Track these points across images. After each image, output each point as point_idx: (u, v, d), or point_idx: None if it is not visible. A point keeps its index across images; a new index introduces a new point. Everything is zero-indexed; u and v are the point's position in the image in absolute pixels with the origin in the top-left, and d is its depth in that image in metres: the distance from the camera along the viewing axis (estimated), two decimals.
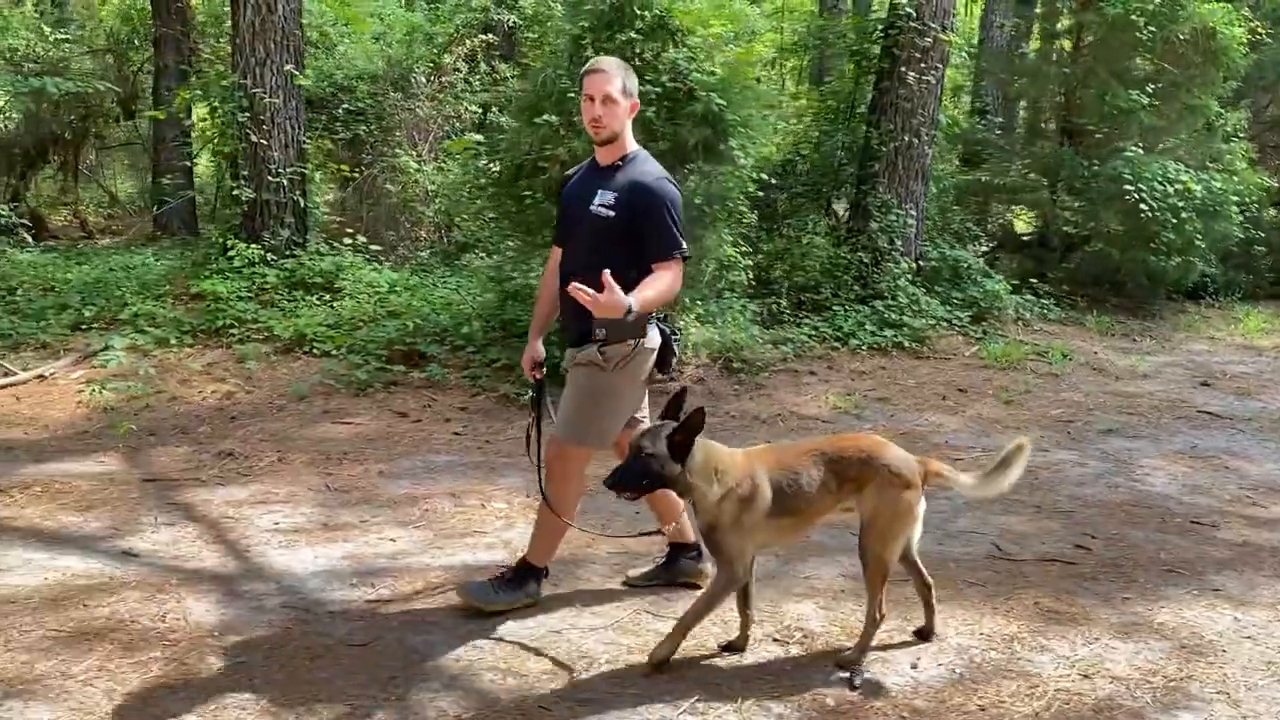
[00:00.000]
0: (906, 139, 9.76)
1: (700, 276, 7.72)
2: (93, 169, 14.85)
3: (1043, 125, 12.50)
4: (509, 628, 3.92)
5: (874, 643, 3.70)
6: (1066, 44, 12.34)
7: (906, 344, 8.95)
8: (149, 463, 5.92)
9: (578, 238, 3.87)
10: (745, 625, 3.77)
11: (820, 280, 9.43)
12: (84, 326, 8.20)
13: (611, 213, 3.71)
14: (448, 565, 4.57)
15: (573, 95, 7.34)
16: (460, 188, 9.03)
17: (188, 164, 13.03)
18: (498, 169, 7.88)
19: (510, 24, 13.26)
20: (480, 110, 12.43)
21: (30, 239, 10.75)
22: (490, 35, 12.89)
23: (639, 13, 7.39)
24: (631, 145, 3.84)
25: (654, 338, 3.84)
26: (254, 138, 8.80)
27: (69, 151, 13.98)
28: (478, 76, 12.50)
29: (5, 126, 12.84)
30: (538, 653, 3.74)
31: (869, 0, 17.15)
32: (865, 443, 3.73)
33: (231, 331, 8.01)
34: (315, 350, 7.82)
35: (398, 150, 11.28)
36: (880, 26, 9.87)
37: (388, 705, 3.35)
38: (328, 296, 8.78)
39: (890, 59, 9.74)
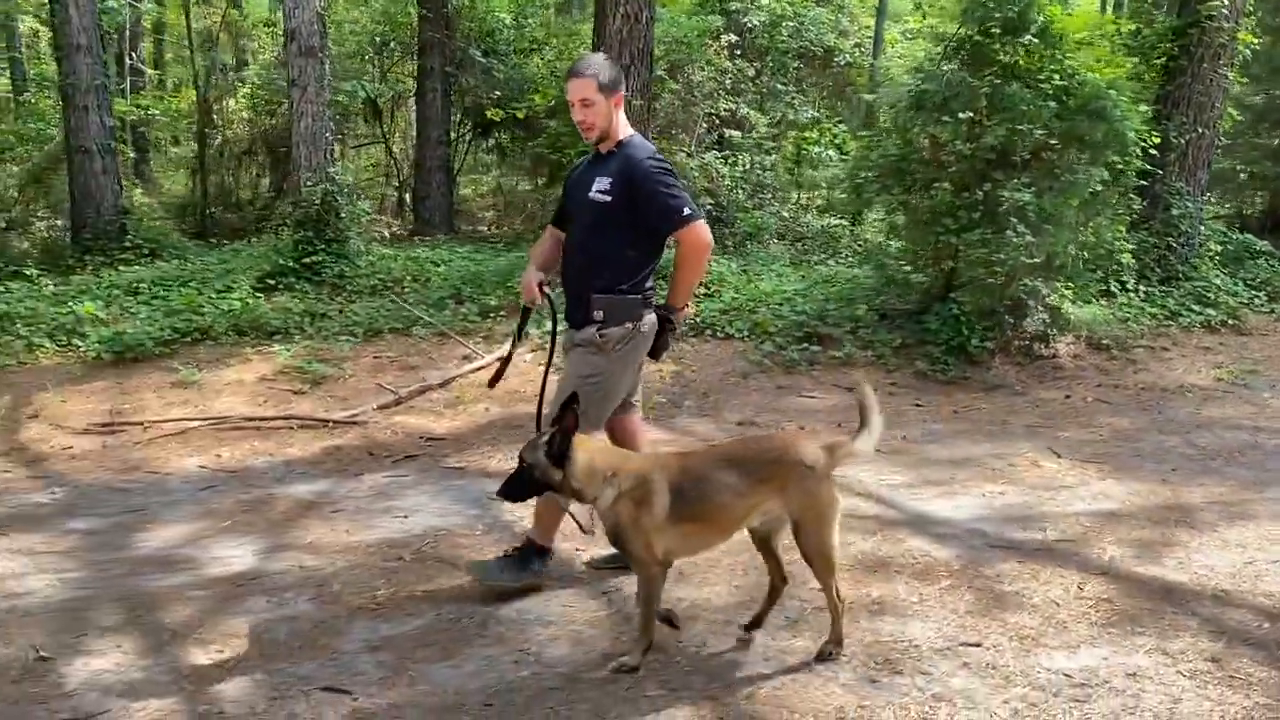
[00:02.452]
0: (1199, 131, 10.39)
1: (1076, 258, 8.37)
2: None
3: None
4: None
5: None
6: None
7: (1228, 321, 9.59)
8: (687, 430, 6.63)
9: (580, 223, 4.01)
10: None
11: (1127, 264, 10.05)
12: (490, 314, 8.91)
13: (608, 197, 3.83)
14: (1081, 512, 5.25)
15: (984, 92, 8.02)
16: (846, 180, 9.70)
17: (448, 164, 13.79)
18: (882, 162, 8.55)
19: (749, 25, 13.94)
20: (733, 106, 13.13)
21: (385, 235, 11.50)
22: (732, 35, 13.57)
23: (1036, 18, 8.04)
24: (625, 132, 3.95)
25: (650, 321, 3.94)
26: None
27: None
28: (728, 74, 13.20)
29: (275, 126, 13.63)
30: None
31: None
32: (776, 442, 3.71)
33: None
34: (719, 333, 8.51)
35: (680, 146, 11.98)
36: (1178, 25, 10.45)
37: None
38: None
39: (1187, 56, 10.35)
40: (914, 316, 8.63)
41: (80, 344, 7.85)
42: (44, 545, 4.67)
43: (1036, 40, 8.08)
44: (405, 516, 5.05)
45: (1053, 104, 7.93)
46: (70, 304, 8.60)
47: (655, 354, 4.05)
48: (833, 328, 8.49)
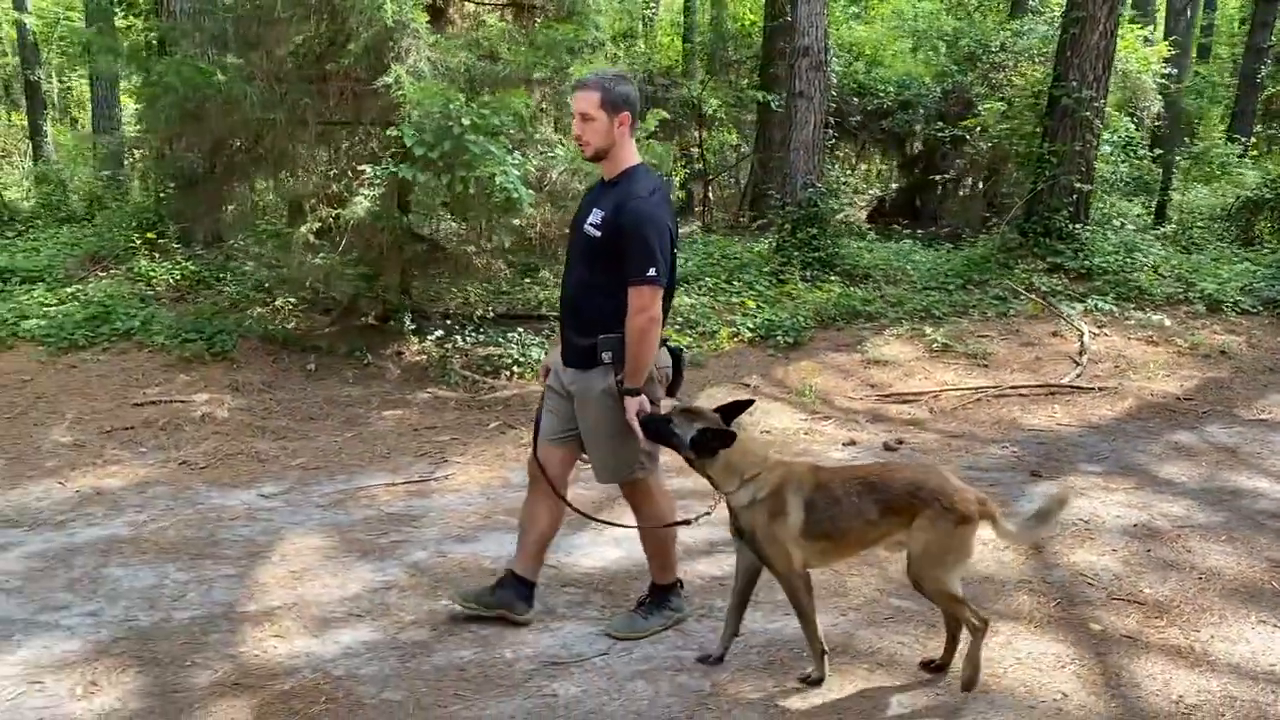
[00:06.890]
0: None
1: None
2: None
3: None
4: None
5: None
6: None
7: None
8: None
9: (574, 254, 3.86)
10: (728, 636, 3.74)
11: None
12: (1018, 296, 10.15)
13: (598, 233, 3.63)
14: None
15: None
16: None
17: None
18: None
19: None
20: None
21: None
22: None
23: None
24: (630, 160, 3.71)
25: (663, 358, 3.80)
26: (1089, 136, 10.82)
27: None
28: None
29: None
30: None
31: None
32: (916, 475, 3.55)
33: (1153, 295, 10.08)
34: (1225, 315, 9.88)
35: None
36: None
37: None
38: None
39: None
40: None
41: (737, 330, 8.92)
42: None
43: None
44: None
45: None
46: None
47: (672, 391, 3.91)
48: None
